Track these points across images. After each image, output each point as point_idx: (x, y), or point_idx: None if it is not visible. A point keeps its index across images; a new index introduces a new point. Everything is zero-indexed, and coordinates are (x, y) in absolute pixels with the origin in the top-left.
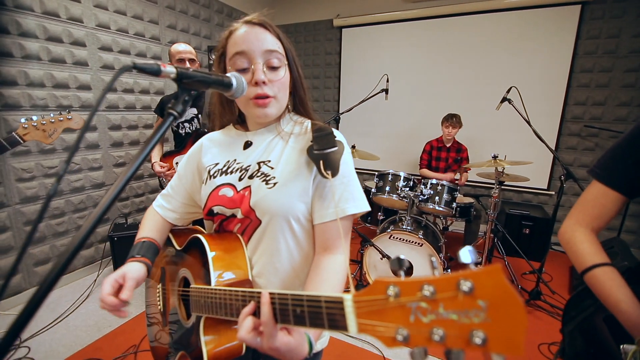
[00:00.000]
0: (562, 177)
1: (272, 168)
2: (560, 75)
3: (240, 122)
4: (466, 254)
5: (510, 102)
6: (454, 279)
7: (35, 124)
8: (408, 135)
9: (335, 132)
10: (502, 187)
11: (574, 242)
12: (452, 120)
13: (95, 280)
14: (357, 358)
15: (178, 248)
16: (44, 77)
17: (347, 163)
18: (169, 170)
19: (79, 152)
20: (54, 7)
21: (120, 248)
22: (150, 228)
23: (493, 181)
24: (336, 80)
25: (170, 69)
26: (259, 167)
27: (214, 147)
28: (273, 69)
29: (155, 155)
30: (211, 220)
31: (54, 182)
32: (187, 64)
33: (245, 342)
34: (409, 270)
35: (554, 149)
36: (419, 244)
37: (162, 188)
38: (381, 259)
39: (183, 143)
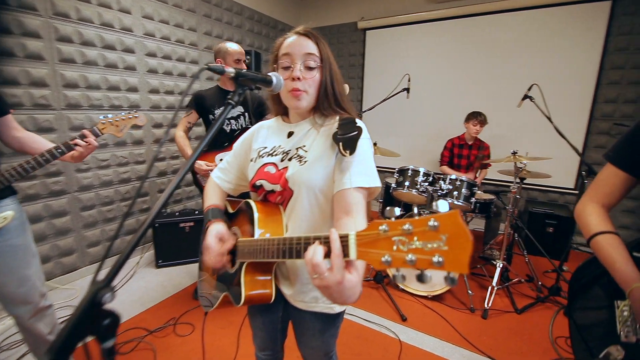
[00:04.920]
0: (584, 174)
1: (305, 151)
2: (588, 73)
3: (286, 113)
4: (444, 205)
5: (531, 100)
6: (426, 219)
7: (110, 120)
8: (430, 134)
9: (357, 120)
10: (526, 185)
11: (584, 215)
12: (480, 117)
13: (137, 263)
14: (374, 340)
15: (231, 211)
16: (100, 81)
17: (364, 145)
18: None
19: (126, 147)
20: (110, 18)
21: (161, 234)
22: (215, 196)
23: (519, 178)
24: (359, 81)
25: (230, 69)
26: (297, 151)
27: (264, 134)
28: (309, 68)
29: (190, 151)
30: (255, 192)
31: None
32: (242, 65)
33: (317, 268)
34: None
35: (582, 147)
36: None
37: (197, 183)
38: None
39: (229, 139)
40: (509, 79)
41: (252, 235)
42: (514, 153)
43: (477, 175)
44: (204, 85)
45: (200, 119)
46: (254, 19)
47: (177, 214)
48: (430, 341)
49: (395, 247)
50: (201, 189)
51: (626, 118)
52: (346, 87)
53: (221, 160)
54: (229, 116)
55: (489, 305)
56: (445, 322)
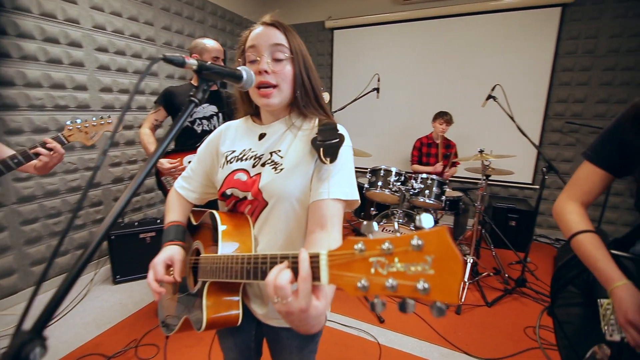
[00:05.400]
0: (544, 170)
1: (281, 157)
2: (543, 74)
3: (257, 114)
4: (428, 220)
5: (495, 100)
6: (409, 237)
7: (79, 126)
8: (399, 134)
9: (339, 126)
10: (489, 181)
11: (564, 213)
12: (446, 117)
13: (92, 280)
14: (353, 345)
15: (194, 223)
16: (41, 78)
17: (346, 154)
18: (180, 166)
19: (75, 152)
20: (52, 8)
21: (118, 246)
22: (177, 211)
23: (480, 175)
24: (328, 81)
25: (192, 61)
26: (271, 156)
27: (232, 136)
28: (278, 61)
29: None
30: (224, 201)
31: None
32: (220, 63)
33: (280, 292)
34: None
35: (537, 144)
36: (400, 233)
37: (162, 187)
38: None
39: (200, 141)
40: (473, 79)
41: (216, 250)
42: (481, 152)
43: (446, 171)
44: (162, 84)
45: (170, 116)
46: (217, 14)
47: (136, 223)
48: (408, 342)
49: (373, 270)
50: (166, 192)
51: (576, 117)
52: (326, 95)
53: (190, 162)
54: (200, 116)
55: (462, 300)
56: (422, 321)
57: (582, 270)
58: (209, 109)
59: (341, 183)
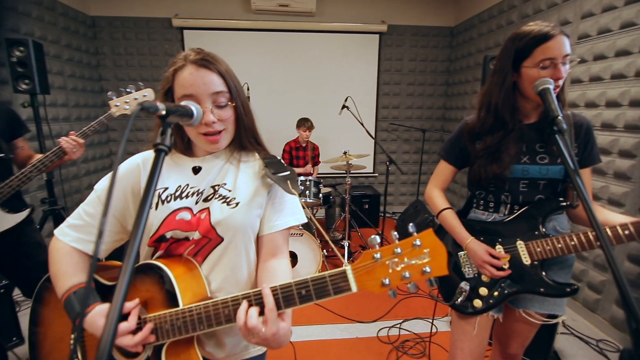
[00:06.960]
0: (388, 163)
1: (229, 190)
2: (372, 86)
3: (184, 148)
4: (412, 227)
5: (348, 109)
6: (411, 240)
7: None
8: (267, 139)
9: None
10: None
11: (432, 197)
12: (307, 124)
13: None
14: (268, 353)
15: (108, 283)
16: None
17: None
18: None
19: None
20: None
21: None
22: (78, 271)
23: (343, 171)
24: None
25: (161, 106)
26: (215, 190)
27: None
28: (220, 107)
29: None
30: (156, 246)
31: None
32: None
33: (254, 330)
34: (295, 259)
35: (375, 141)
36: (299, 234)
37: None
38: None
39: None
40: (328, 88)
41: (172, 303)
42: (345, 153)
43: (314, 171)
44: None
45: None
46: None
47: None
48: (315, 330)
49: (390, 270)
50: None
51: (395, 119)
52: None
53: None
54: None
55: None
56: (320, 308)
57: (445, 234)
58: None
59: (295, 212)
